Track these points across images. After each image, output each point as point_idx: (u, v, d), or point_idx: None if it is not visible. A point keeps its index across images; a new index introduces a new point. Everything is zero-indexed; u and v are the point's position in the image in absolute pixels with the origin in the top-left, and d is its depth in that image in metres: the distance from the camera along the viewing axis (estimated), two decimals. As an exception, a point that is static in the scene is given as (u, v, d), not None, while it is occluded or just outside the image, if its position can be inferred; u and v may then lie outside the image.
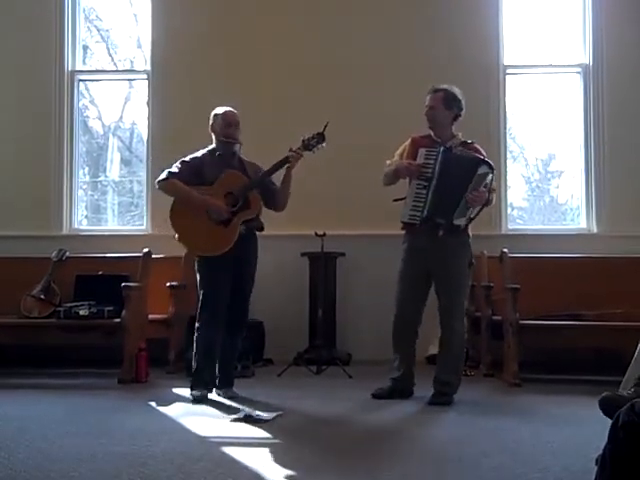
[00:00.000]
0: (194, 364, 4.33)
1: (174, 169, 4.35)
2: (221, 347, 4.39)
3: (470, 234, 4.31)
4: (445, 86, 4.34)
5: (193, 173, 4.32)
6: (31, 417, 3.82)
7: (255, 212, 4.37)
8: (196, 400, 4.22)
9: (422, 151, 4.23)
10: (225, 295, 4.31)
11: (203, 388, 4.30)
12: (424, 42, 6.18)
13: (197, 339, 4.32)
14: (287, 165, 4.33)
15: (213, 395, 4.37)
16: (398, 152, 4.44)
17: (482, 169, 4.11)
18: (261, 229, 4.47)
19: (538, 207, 6.67)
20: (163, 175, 4.35)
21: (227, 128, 4.40)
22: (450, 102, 4.30)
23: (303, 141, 4.32)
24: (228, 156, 4.43)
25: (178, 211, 4.32)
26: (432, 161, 4.17)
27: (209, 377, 4.35)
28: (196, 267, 4.39)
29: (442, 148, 4.18)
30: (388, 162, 4.43)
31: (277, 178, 4.44)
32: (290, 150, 4.32)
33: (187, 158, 4.39)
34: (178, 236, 4.30)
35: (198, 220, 4.25)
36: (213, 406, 4.12)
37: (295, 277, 5.92)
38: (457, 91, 4.34)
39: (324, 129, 4.28)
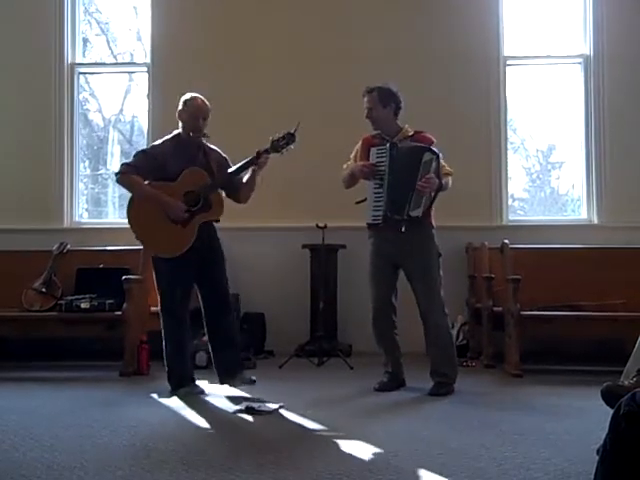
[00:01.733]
0: (167, 364, 4.21)
1: (131, 161, 4.11)
2: (216, 337, 4.30)
3: (434, 225, 4.30)
4: (378, 84, 4.31)
5: (154, 166, 4.09)
6: (33, 410, 3.83)
7: (217, 215, 4.19)
8: (182, 396, 4.09)
9: (373, 150, 4.24)
10: (186, 292, 4.19)
11: (182, 386, 4.18)
12: (424, 34, 6.17)
13: (164, 338, 4.20)
14: (254, 168, 4.18)
15: (223, 387, 4.33)
16: (352, 155, 4.44)
17: (426, 156, 4.09)
18: (217, 221, 4.29)
19: (539, 198, 6.67)
20: (120, 168, 4.12)
21: (196, 120, 4.16)
22: (386, 99, 4.28)
23: (272, 142, 4.13)
24: (194, 148, 4.21)
25: (136, 208, 4.10)
26: (383, 159, 4.17)
27: (184, 373, 4.22)
28: (153, 264, 4.22)
29: (389, 144, 4.18)
30: (345, 166, 4.43)
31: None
32: (257, 152, 4.14)
33: (147, 148, 4.07)
34: (136, 234, 4.11)
35: (156, 218, 4.07)
36: (215, 398, 4.13)
37: (296, 269, 5.93)
38: (391, 85, 4.32)
39: (295, 129, 4.13)
